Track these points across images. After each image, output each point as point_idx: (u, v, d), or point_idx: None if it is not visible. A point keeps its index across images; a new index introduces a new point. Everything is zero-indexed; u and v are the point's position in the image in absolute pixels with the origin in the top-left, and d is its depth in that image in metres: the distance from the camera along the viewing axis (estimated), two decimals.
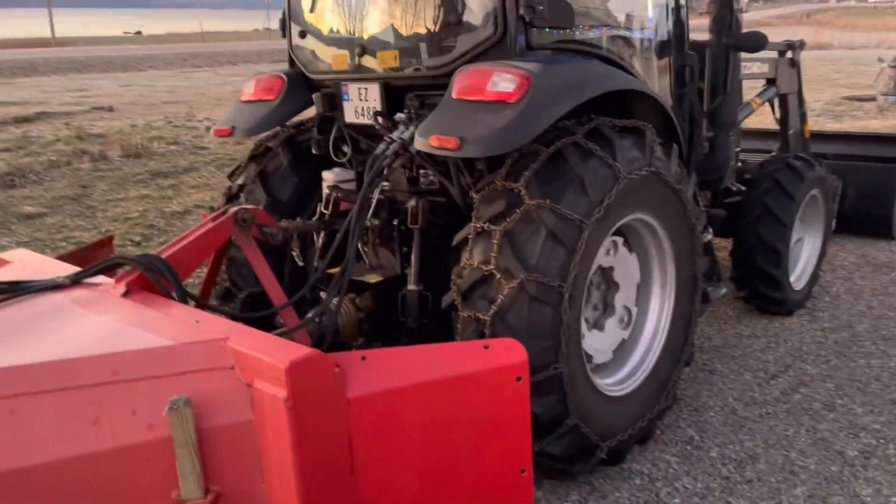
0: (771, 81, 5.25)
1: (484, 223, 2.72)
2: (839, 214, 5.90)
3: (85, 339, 2.24)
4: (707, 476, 3.05)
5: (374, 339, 3.27)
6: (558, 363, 2.67)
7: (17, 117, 14.28)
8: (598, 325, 3.23)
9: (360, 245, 3.31)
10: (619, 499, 2.92)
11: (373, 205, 3.09)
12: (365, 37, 3.38)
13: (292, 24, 3.67)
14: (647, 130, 3.02)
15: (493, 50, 2.93)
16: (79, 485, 2.00)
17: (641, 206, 3.01)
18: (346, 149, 3.56)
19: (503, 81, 2.71)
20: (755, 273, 4.52)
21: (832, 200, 5.68)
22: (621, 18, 3.59)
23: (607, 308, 3.27)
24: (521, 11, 2.86)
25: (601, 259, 3.07)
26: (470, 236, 2.77)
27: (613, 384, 3.16)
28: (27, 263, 2.96)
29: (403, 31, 3.26)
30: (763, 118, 6.66)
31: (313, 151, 3.63)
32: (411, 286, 3.15)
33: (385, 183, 3.25)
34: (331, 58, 3.52)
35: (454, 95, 2.81)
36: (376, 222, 3.29)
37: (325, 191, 3.50)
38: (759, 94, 5.18)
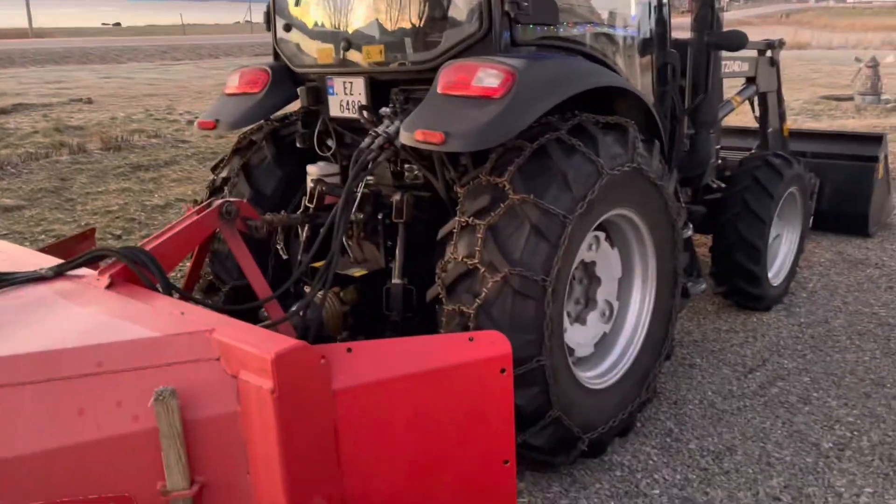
0: (751, 80, 5.31)
1: (468, 217, 2.74)
2: (816, 212, 6.00)
3: (69, 330, 2.23)
4: (686, 467, 3.11)
5: (358, 332, 3.28)
6: (541, 356, 2.70)
7: None
8: (580, 318, 3.27)
9: (344, 239, 3.31)
10: (600, 490, 2.96)
11: (357, 199, 3.09)
12: (350, 31, 3.38)
13: (277, 18, 3.66)
14: (629, 127, 3.06)
15: (477, 46, 2.95)
16: (63, 475, 2.00)
17: (623, 201, 3.05)
18: (330, 143, 3.56)
19: (488, 77, 2.73)
20: (734, 269, 4.58)
21: (810, 198, 5.78)
22: (605, 16, 3.63)
23: (589, 302, 3.31)
24: (506, 8, 2.88)
25: (583, 254, 3.10)
26: (454, 230, 2.79)
27: (595, 377, 3.20)
28: (8, 255, 2.93)
29: (389, 26, 3.27)
30: (743, 116, 6.74)
31: (297, 145, 3.63)
32: (396, 280, 3.17)
33: (370, 177, 3.26)
34: (316, 51, 3.52)
35: (439, 90, 2.83)
36: (361, 216, 3.30)
37: (310, 184, 3.50)
38: (739, 93, 5.24)
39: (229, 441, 2.06)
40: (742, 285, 4.63)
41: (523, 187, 2.70)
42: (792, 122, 12.48)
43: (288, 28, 3.62)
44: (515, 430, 2.37)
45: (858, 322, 4.59)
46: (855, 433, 3.36)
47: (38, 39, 41.52)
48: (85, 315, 2.35)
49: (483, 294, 2.64)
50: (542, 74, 2.86)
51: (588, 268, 3.25)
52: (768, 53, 5.42)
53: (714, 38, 4.05)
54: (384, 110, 3.12)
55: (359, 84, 3.27)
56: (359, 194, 3.09)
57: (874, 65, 14.14)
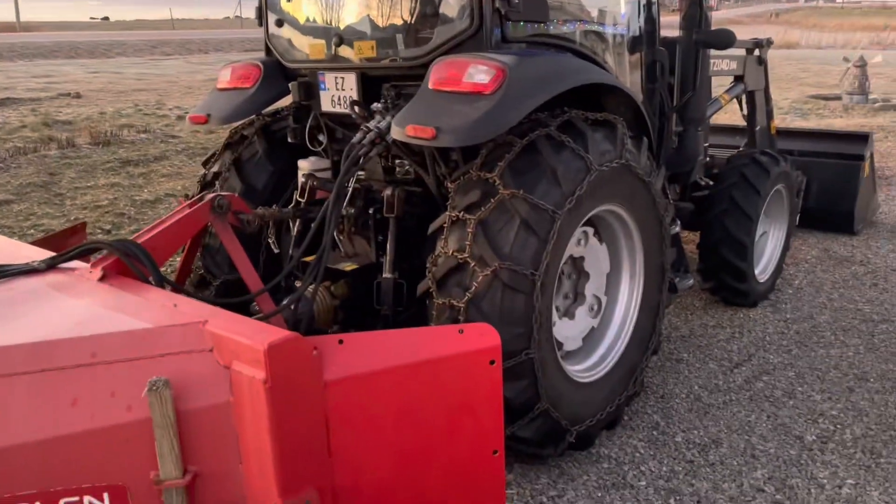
0: (739, 78, 5.37)
1: (459, 212, 2.77)
2: (803, 209, 6.06)
3: (62, 322, 2.24)
4: (672, 460, 3.15)
5: (349, 326, 3.30)
6: (530, 349, 2.73)
7: None
8: (568, 313, 3.31)
9: (335, 233, 3.34)
10: (588, 482, 3.00)
11: (349, 193, 3.12)
12: (342, 27, 3.40)
13: (269, 13, 3.68)
14: (618, 124, 3.09)
15: (468, 42, 2.97)
16: (57, 465, 2.01)
17: (612, 197, 3.09)
18: (321, 138, 3.58)
19: (479, 73, 2.75)
20: (721, 265, 4.64)
21: (796, 195, 5.84)
22: (594, 14, 3.67)
23: (578, 297, 3.34)
24: (497, 5, 2.91)
25: (572, 249, 3.14)
26: (445, 225, 2.82)
27: (583, 371, 3.24)
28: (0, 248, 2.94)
29: (381, 22, 3.30)
30: (732, 115, 6.79)
31: (289, 140, 3.65)
32: (386, 274, 3.19)
33: (361, 172, 3.29)
34: (307, 47, 3.54)
35: (430, 86, 2.86)
36: (352, 211, 3.32)
37: (301, 179, 3.52)
38: (728, 91, 5.30)
39: (222, 431, 2.09)
40: (729, 281, 4.68)
41: (513, 182, 2.73)
42: (780, 121, 12.58)
43: (280, 23, 3.63)
44: (504, 422, 2.42)
45: (843, 318, 4.65)
46: (838, 426, 3.42)
47: (25, 33, 41.22)
48: (78, 307, 2.36)
49: (473, 288, 2.67)
50: (533, 71, 2.89)
51: (577, 263, 3.28)
52: (756, 52, 5.48)
53: (702, 36, 4.10)
54: (376, 106, 3.14)
55: (350, 79, 3.29)
56: (350, 189, 3.12)
57: (862, 64, 14.26)
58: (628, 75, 3.77)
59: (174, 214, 2.86)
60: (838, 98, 14.66)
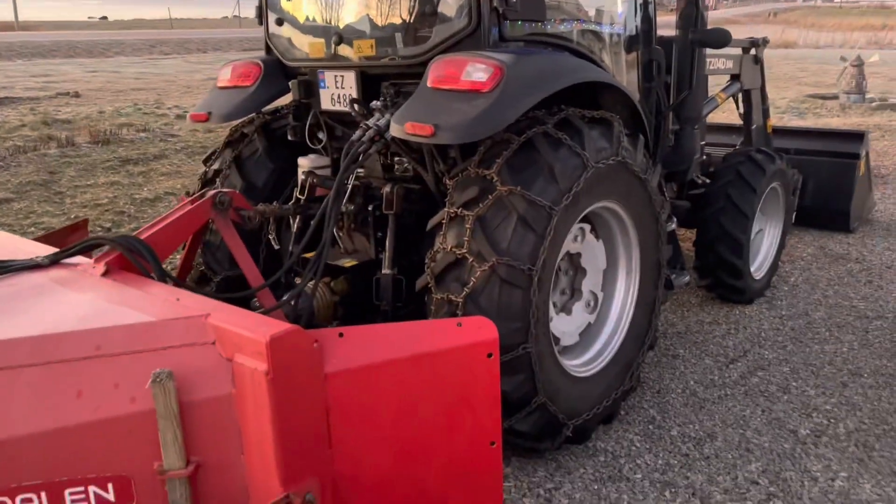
0: (735, 77, 5.41)
1: (457, 208, 2.81)
2: (800, 207, 6.12)
3: (66, 316, 2.28)
4: (667, 453, 3.19)
5: (348, 321, 3.33)
6: (527, 343, 2.77)
7: None
8: (565, 308, 3.35)
9: (335, 230, 3.38)
10: (584, 475, 3.04)
11: (348, 190, 3.15)
12: (341, 25, 3.44)
13: (269, 12, 3.71)
14: (614, 121, 3.13)
15: (467, 41, 3.01)
16: (62, 456, 2.05)
17: (608, 194, 3.13)
18: (321, 135, 3.62)
19: (477, 71, 2.79)
20: (718, 262, 4.68)
21: (792, 193, 5.89)
22: (592, 13, 3.71)
23: (575, 293, 3.38)
24: (495, 3, 2.95)
25: (569, 245, 3.18)
26: (443, 221, 2.86)
27: (580, 365, 3.28)
28: (2, 244, 2.98)
29: (380, 21, 3.33)
30: (730, 114, 6.84)
31: (289, 137, 3.69)
32: (385, 270, 3.23)
33: (360, 169, 3.32)
34: (307, 45, 3.58)
35: (429, 84, 2.89)
36: (351, 208, 3.36)
37: (301, 176, 3.56)
38: (724, 89, 5.34)
39: (224, 422, 2.12)
40: (725, 278, 4.72)
41: (511, 179, 2.77)
42: (777, 120, 12.60)
43: (280, 22, 3.67)
44: (502, 416, 2.46)
45: (838, 315, 4.70)
46: (832, 420, 3.46)
47: (23, 32, 41.18)
48: (82, 301, 2.40)
49: (471, 283, 2.71)
50: (530, 69, 2.93)
51: (574, 259, 3.32)
52: (752, 51, 5.53)
53: (698, 35, 4.14)
54: (375, 103, 3.18)
55: (350, 78, 3.33)
56: (349, 186, 3.15)
57: (859, 64, 14.33)
58: (625, 74, 3.81)
59: (176, 211, 2.89)
60: (836, 97, 14.72)
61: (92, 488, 2.08)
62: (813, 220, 6.37)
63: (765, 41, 5.64)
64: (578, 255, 3.32)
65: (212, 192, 2.95)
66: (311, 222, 3.07)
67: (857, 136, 6.43)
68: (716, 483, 2.99)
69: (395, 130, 2.85)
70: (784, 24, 56.42)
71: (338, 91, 3.40)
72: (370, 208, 3.37)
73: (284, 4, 3.67)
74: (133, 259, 2.60)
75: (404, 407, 2.22)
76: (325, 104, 3.48)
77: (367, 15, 3.39)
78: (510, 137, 2.86)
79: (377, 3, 3.34)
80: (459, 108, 2.75)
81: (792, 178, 5.26)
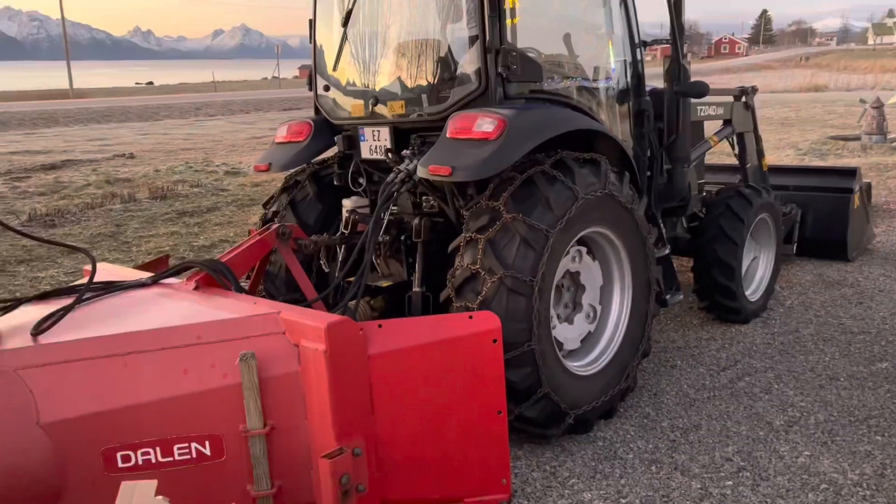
0: (727, 122, 6.05)
1: (472, 233, 3.48)
2: (801, 239, 6.67)
3: (172, 316, 2.99)
4: (657, 439, 3.74)
5: None
6: (531, 341, 3.39)
7: (45, 165, 15.27)
8: (568, 319, 3.96)
9: (373, 257, 4.06)
10: (584, 455, 3.61)
11: (384, 224, 3.84)
12: (377, 89, 4.19)
13: (318, 79, 4.49)
14: (601, 161, 3.79)
15: (478, 99, 3.72)
16: (172, 418, 2.72)
17: (599, 220, 3.76)
18: (361, 180, 4.35)
19: (485, 123, 3.49)
20: (713, 285, 5.24)
21: (792, 227, 6.46)
22: (586, 72, 4.40)
23: (576, 306, 4.00)
24: (500, 70, 3.66)
25: (568, 264, 3.81)
26: (461, 244, 3.52)
27: (581, 366, 3.86)
28: (110, 271, 3.72)
29: (409, 85, 4.07)
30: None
31: (335, 183, 4.43)
32: (416, 288, 3.89)
33: (394, 206, 4.02)
34: (350, 106, 4.33)
35: (448, 135, 3.60)
36: (387, 238, 4.05)
37: (345, 214, 4.27)
38: (717, 133, 5.98)
39: (292, 393, 2.79)
40: (720, 300, 5.28)
41: (514, 208, 3.43)
42: (799, 161, 13.06)
43: (327, 88, 4.44)
44: (512, 404, 3.08)
45: (825, 331, 5.20)
46: (805, 413, 3.98)
47: (78, 100, 43.54)
48: (181, 306, 3.11)
49: (484, 292, 3.35)
50: (528, 121, 3.62)
51: (574, 277, 3.95)
52: (743, 98, 6.17)
53: (681, 87, 4.79)
54: (405, 152, 3.90)
55: (385, 132, 4.06)
56: (385, 220, 3.84)
57: (879, 105, 14.70)
58: (618, 123, 4.48)
59: (248, 240, 3.62)
60: (858, 139, 14.94)
61: (194, 444, 2.74)
62: (813, 251, 6.88)
63: (753, 89, 6.27)
64: (578, 273, 3.94)
65: (276, 226, 3.68)
66: (354, 251, 3.76)
67: (849, 173, 6.97)
68: (696, 461, 3.53)
69: (421, 172, 3.55)
70: (815, 68, 56.68)
71: (375, 143, 4.13)
72: (402, 238, 4.06)
73: (330, 72, 4.44)
74: (217, 277, 3.31)
75: (430, 381, 2.86)
76: (365, 154, 4.21)
77: (398, 80, 4.13)
78: (514, 175, 3.54)
79: (406, 71, 4.09)
80: (472, 153, 3.44)
81: (780, 210, 5.80)
